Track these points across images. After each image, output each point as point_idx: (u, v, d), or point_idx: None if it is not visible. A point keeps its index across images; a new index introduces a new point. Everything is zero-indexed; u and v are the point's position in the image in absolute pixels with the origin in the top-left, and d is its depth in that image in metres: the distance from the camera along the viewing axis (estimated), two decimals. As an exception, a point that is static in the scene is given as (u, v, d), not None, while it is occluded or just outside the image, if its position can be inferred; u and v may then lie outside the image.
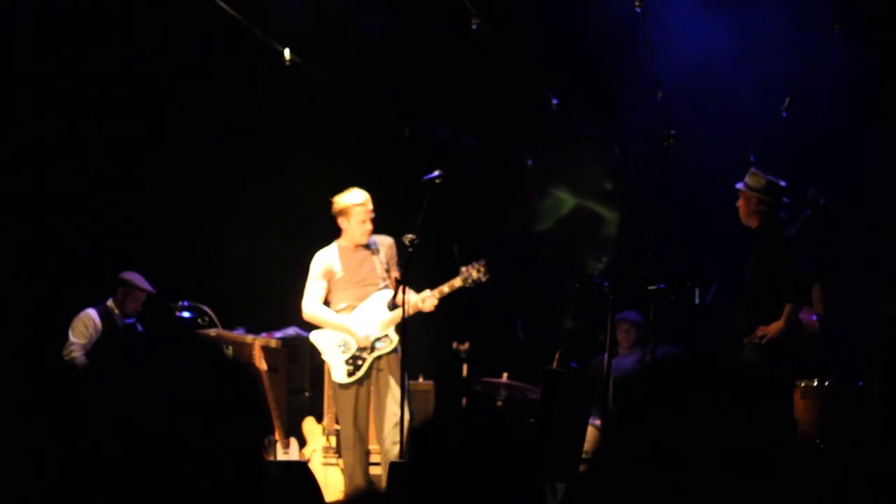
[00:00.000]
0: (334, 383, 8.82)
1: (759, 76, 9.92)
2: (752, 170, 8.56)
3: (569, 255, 10.15)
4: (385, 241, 8.85)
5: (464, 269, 8.62)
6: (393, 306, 8.64)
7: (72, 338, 9.44)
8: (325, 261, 8.82)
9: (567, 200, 10.60)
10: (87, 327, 9.48)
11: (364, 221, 8.72)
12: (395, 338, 8.67)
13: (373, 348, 8.68)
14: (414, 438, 2.61)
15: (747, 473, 1.87)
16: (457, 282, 8.63)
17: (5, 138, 9.98)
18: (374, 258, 8.80)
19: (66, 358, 9.36)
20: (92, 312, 9.55)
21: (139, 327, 9.78)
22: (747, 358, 8.38)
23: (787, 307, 8.27)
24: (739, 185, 8.55)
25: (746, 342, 8.41)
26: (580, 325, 9.24)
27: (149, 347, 2.07)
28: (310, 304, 8.83)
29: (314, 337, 8.91)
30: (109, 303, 9.66)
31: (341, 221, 8.78)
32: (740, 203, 8.56)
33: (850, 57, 9.43)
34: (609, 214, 10.57)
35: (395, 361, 8.63)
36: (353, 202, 8.72)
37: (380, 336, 8.68)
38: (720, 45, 9.92)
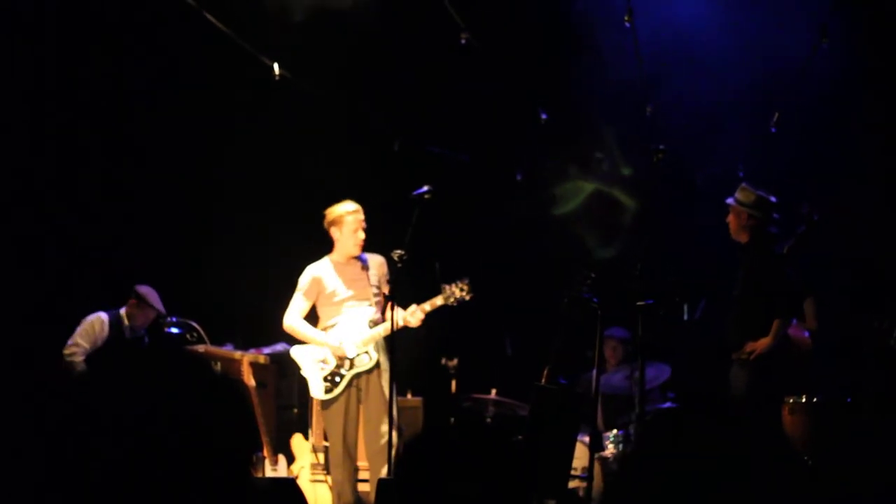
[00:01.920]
0: (320, 400, 8.82)
1: (748, 90, 9.94)
2: (743, 185, 8.57)
3: (559, 269, 10.14)
4: (377, 260, 8.84)
5: (446, 287, 8.60)
6: (374, 324, 8.63)
7: (77, 339, 9.37)
8: (315, 274, 8.81)
9: (585, 187, 10.60)
10: (94, 331, 9.42)
11: (356, 230, 8.72)
12: (375, 356, 8.65)
13: (351, 365, 8.66)
14: (402, 455, 2.59)
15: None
16: (438, 300, 8.62)
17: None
18: (366, 274, 8.79)
19: (67, 358, 9.31)
20: (104, 316, 9.49)
21: (146, 341, 9.74)
22: (735, 374, 8.38)
23: (776, 323, 8.26)
24: (729, 201, 8.56)
25: (735, 358, 8.40)
26: (568, 341, 9.23)
27: (137, 362, 2.06)
28: (290, 316, 8.83)
29: (294, 352, 8.89)
30: (122, 311, 9.61)
31: (334, 232, 8.78)
32: (730, 218, 8.57)
33: (841, 71, 9.45)
34: (628, 201, 10.57)
35: (383, 378, 8.61)
36: (347, 211, 8.73)
37: (359, 353, 8.66)
38: (710, 60, 9.94)
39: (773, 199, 8.50)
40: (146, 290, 9.64)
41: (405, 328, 8.58)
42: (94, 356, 9.37)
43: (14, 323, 9.78)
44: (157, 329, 9.99)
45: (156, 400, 1.96)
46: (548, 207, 10.92)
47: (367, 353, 8.65)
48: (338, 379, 8.64)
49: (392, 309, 8.22)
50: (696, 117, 9.99)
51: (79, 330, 9.43)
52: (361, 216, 8.75)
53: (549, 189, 10.95)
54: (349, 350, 8.63)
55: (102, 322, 9.48)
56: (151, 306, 9.62)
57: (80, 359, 9.33)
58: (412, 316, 8.57)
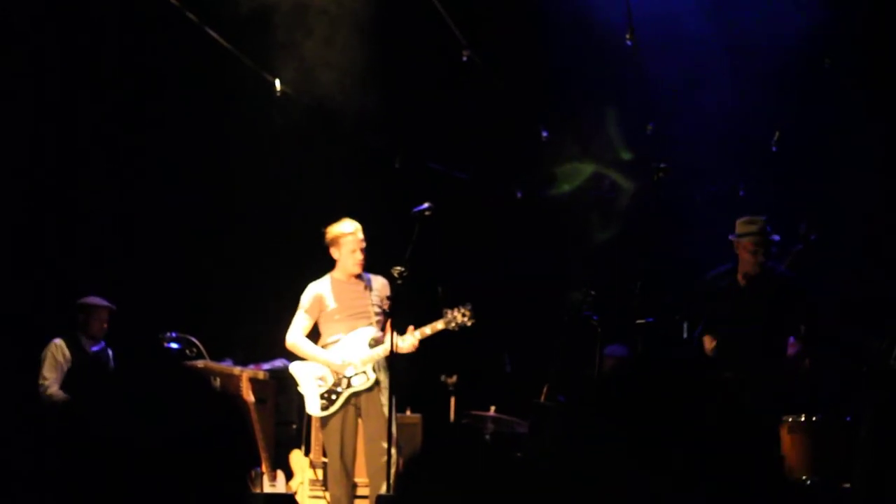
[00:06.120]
0: (318, 417, 8.81)
1: (749, 109, 9.94)
2: (746, 218, 8.27)
3: (560, 286, 10.15)
4: (380, 281, 8.80)
5: (448, 312, 8.56)
6: (375, 343, 8.61)
7: (45, 373, 9.31)
8: (317, 292, 8.78)
9: (584, 169, 10.59)
10: (56, 359, 9.34)
11: (355, 251, 8.70)
12: (373, 375, 8.61)
13: (348, 384, 8.63)
14: (401, 471, 2.60)
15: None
16: (439, 324, 8.56)
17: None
18: (368, 293, 8.76)
19: (45, 395, 9.24)
20: (59, 342, 9.43)
21: (109, 352, 9.67)
22: (734, 394, 8.31)
23: (797, 343, 8.13)
24: (749, 237, 8.24)
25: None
26: (568, 358, 9.23)
27: (136, 379, 2.06)
28: (292, 334, 8.79)
29: (293, 368, 8.86)
30: (75, 331, 9.55)
31: (333, 252, 8.77)
32: (757, 251, 8.23)
33: (842, 90, 9.46)
34: (624, 183, 10.55)
35: (383, 395, 8.59)
36: (344, 231, 8.71)
37: (357, 372, 8.63)
38: (711, 77, 9.95)
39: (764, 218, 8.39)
40: (88, 298, 9.60)
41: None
42: (68, 380, 9.31)
43: (16, 335, 9.77)
44: (152, 345, 9.95)
45: (154, 415, 1.96)
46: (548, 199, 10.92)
47: (364, 372, 8.62)
48: (334, 397, 8.62)
49: (392, 327, 8.20)
50: (697, 135, 9.99)
51: (43, 364, 9.35)
52: (360, 236, 8.72)
53: (549, 169, 10.92)
54: (349, 370, 8.60)
55: (58, 346, 9.41)
56: (100, 307, 9.57)
57: (55, 389, 9.26)
58: (404, 341, 8.50)
